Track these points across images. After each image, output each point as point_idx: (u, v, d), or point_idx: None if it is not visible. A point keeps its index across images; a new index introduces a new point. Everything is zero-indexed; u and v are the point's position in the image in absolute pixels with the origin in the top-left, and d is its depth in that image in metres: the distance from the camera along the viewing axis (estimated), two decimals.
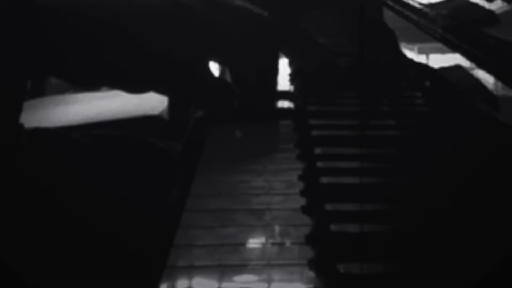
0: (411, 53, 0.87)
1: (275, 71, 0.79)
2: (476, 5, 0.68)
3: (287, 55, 0.82)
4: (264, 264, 0.44)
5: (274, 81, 0.79)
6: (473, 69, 0.63)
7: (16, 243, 0.60)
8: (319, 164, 0.58)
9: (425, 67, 0.81)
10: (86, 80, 0.67)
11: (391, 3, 0.95)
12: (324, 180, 0.54)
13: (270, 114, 0.75)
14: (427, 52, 0.82)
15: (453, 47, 0.67)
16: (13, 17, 0.59)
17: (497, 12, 0.62)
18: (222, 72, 0.79)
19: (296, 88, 0.85)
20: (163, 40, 0.65)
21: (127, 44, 0.64)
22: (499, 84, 0.57)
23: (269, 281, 0.43)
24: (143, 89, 0.66)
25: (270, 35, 0.72)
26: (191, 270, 0.44)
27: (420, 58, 0.84)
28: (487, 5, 0.65)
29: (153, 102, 1.31)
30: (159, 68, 0.65)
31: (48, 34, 0.61)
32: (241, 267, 0.44)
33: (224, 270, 0.44)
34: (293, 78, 0.89)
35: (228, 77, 0.72)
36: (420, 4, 0.81)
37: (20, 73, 0.60)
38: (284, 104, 0.79)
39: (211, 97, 0.68)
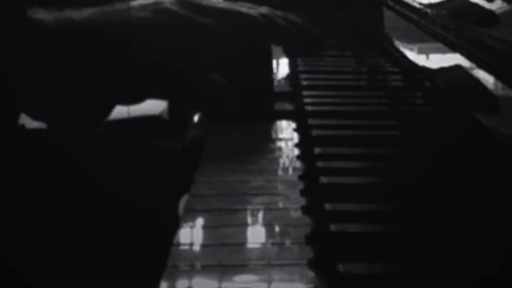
0: (411, 53, 0.87)
1: (270, 70, 0.79)
2: (476, 5, 0.68)
3: (277, 42, 0.82)
4: (264, 264, 0.44)
5: (270, 81, 0.79)
6: (473, 69, 0.63)
7: (16, 243, 0.60)
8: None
9: (418, 69, 0.81)
10: (88, 94, 0.67)
11: (391, 3, 0.95)
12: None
13: (269, 115, 0.75)
14: (427, 52, 0.82)
15: (453, 47, 0.67)
16: (8, 36, 0.59)
17: (497, 12, 0.62)
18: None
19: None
20: (159, 49, 0.65)
21: (125, 55, 0.64)
22: (499, 84, 0.57)
23: (269, 281, 0.43)
24: (142, 98, 0.67)
25: (262, 34, 0.72)
26: (191, 270, 0.44)
27: (420, 58, 0.84)
28: (487, 5, 0.65)
29: (153, 102, 1.31)
30: (157, 77, 0.65)
31: (48, 52, 0.61)
32: (241, 267, 0.44)
33: (224, 270, 0.43)
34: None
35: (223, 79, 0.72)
36: (420, 4, 0.81)
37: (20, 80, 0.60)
38: (284, 104, 0.79)
39: (208, 101, 0.68)
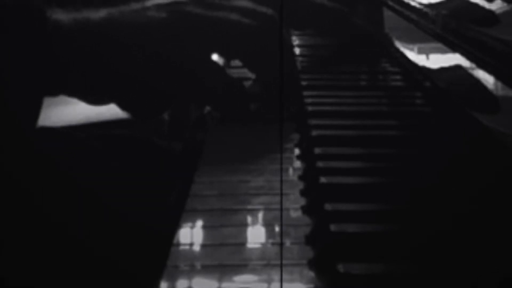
0: (411, 53, 0.87)
1: (292, 66, 0.79)
2: (476, 5, 0.67)
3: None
4: (264, 264, 0.44)
5: (293, 77, 0.79)
6: (473, 69, 0.63)
7: (9, 253, 0.60)
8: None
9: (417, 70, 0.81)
10: (99, 98, 0.67)
11: (391, 3, 0.95)
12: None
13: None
14: (427, 52, 0.82)
15: (453, 47, 0.67)
16: (25, 35, 0.60)
17: (497, 12, 0.62)
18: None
19: None
20: (175, 49, 0.65)
21: (140, 57, 0.64)
22: (499, 84, 0.57)
23: (269, 281, 0.43)
24: (153, 103, 0.67)
25: (280, 29, 0.72)
26: (191, 270, 0.44)
27: (420, 58, 0.84)
28: (487, 5, 0.65)
29: None
30: (173, 77, 0.66)
31: (60, 52, 0.62)
32: (241, 267, 0.44)
33: (224, 270, 0.44)
34: None
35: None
36: (420, 4, 0.81)
37: (31, 88, 0.61)
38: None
39: (224, 99, 0.69)
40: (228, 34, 0.69)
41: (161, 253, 0.46)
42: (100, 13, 0.65)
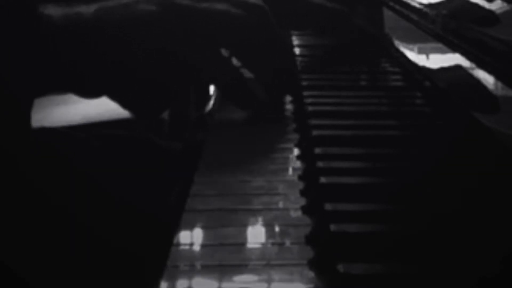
0: (411, 53, 0.87)
1: (291, 56, 0.79)
2: (476, 5, 0.67)
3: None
4: (264, 264, 0.44)
5: (293, 69, 0.79)
6: (473, 69, 0.63)
7: (17, 243, 0.60)
8: None
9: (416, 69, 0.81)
10: (96, 92, 0.67)
11: (391, 3, 0.95)
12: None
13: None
14: (427, 52, 0.82)
15: (453, 47, 0.67)
16: (19, 32, 0.60)
17: (497, 12, 0.62)
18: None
19: None
20: (167, 42, 0.65)
21: (133, 51, 0.64)
22: (499, 84, 0.57)
23: (269, 281, 0.43)
24: (152, 98, 0.67)
25: (272, 20, 0.72)
26: (191, 270, 0.44)
27: (420, 58, 0.84)
28: (487, 5, 0.65)
29: None
30: (168, 72, 0.65)
31: (53, 49, 0.62)
32: (241, 267, 0.44)
33: (224, 270, 0.44)
34: None
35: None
36: (420, 4, 0.81)
37: (26, 86, 0.61)
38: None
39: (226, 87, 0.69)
40: (219, 25, 0.69)
41: (161, 253, 0.46)
42: (91, 8, 0.65)
